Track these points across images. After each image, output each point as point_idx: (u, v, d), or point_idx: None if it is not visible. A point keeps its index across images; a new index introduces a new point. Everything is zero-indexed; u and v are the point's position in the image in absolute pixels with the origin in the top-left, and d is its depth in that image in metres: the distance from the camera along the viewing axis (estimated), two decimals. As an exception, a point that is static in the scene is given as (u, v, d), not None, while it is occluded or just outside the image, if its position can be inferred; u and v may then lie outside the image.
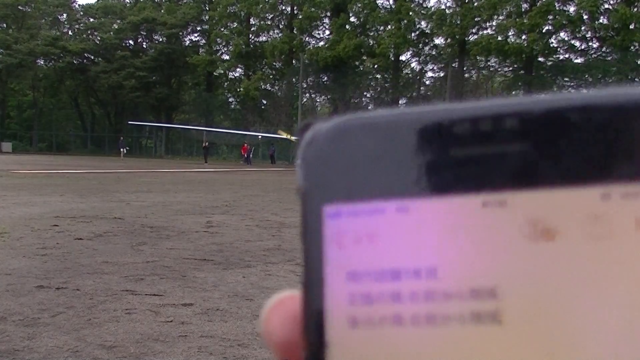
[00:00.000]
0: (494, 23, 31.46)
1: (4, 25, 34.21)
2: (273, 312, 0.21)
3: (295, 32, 37.05)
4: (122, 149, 28.88)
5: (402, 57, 35.76)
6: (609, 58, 29.53)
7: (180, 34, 35.80)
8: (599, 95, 0.18)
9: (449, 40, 32.97)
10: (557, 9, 29.51)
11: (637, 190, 0.17)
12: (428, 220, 0.19)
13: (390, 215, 0.19)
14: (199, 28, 36.67)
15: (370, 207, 0.19)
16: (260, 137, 30.51)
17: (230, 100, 36.87)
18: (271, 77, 38.23)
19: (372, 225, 0.19)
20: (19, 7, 33.61)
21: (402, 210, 0.19)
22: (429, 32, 33.82)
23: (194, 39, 37.30)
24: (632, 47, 28.24)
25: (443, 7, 33.48)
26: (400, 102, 34.17)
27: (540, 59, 31.32)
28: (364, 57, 35.75)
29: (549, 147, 0.18)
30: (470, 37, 32.05)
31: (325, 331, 0.19)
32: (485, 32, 31.59)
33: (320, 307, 0.19)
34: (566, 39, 31.00)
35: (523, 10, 30.38)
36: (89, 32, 35.33)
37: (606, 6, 28.96)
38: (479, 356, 0.18)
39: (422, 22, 33.86)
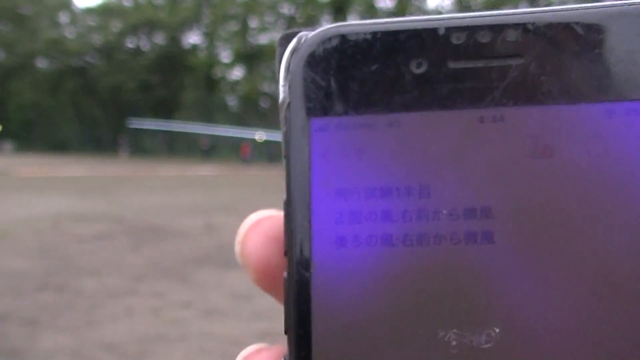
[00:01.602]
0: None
1: (4, 26, 34.23)
2: (251, 232, 0.19)
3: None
4: (123, 149, 28.89)
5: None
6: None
7: (180, 35, 35.78)
8: (605, 9, 0.17)
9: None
10: None
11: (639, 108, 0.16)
12: (421, 135, 0.17)
13: (382, 129, 0.17)
14: (198, 30, 36.67)
15: (360, 120, 0.18)
16: (259, 137, 30.54)
17: (230, 101, 36.91)
18: (271, 78, 38.32)
19: (362, 140, 0.18)
20: (19, 8, 33.64)
21: (394, 124, 0.17)
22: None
23: (193, 41, 37.28)
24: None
25: (442, 9, 33.60)
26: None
27: None
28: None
29: (550, 61, 0.17)
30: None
31: (311, 250, 0.18)
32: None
33: (306, 225, 0.18)
34: None
35: None
36: (89, 33, 35.35)
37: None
38: (471, 277, 0.17)
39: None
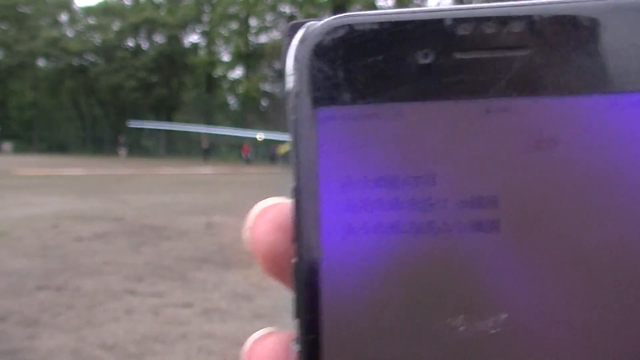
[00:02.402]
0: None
1: (4, 25, 34.22)
2: (259, 220, 0.20)
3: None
4: (122, 149, 28.89)
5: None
6: None
7: (180, 34, 35.79)
8: (611, 2, 0.17)
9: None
10: None
11: None
12: (427, 125, 0.18)
13: (388, 119, 0.18)
14: (198, 29, 36.69)
15: (367, 110, 0.18)
16: (259, 137, 30.56)
17: (230, 101, 36.91)
18: (271, 78, 38.34)
19: (369, 129, 0.18)
20: (19, 8, 33.64)
21: (401, 114, 0.18)
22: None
23: (193, 40, 37.31)
24: None
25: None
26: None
27: None
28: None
29: (556, 53, 0.17)
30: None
31: (319, 237, 0.18)
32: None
33: (314, 213, 0.18)
34: None
35: None
36: (89, 33, 35.34)
37: None
38: (478, 264, 0.17)
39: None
